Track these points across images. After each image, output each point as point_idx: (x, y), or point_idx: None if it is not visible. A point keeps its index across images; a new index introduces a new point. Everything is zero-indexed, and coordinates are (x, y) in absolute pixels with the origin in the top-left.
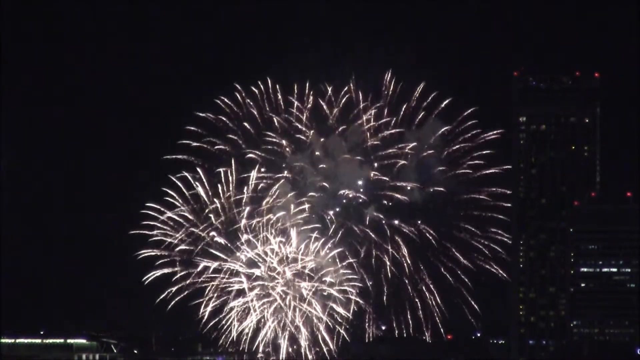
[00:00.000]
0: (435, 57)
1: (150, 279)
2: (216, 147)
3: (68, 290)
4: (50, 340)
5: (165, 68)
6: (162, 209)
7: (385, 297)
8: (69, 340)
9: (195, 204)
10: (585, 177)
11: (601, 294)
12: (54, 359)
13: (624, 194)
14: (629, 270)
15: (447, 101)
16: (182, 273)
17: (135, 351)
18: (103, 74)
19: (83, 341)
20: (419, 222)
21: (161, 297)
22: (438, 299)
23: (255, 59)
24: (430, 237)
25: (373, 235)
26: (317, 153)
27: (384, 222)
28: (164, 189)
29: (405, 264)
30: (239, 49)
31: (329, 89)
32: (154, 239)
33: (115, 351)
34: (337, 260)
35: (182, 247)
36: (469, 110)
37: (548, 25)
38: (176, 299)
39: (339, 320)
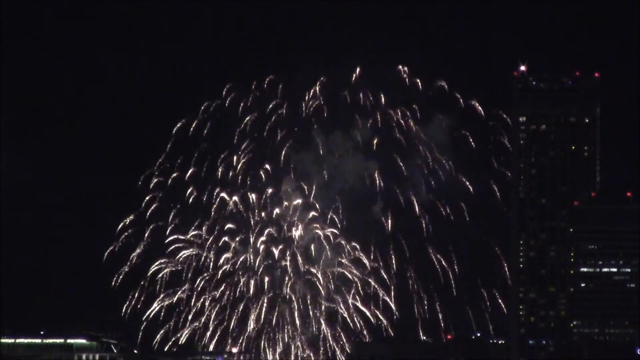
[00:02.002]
0: (434, 56)
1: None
2: (214, 148)
3: (68, 290)
4: (50, 340)
5: (164, 67)
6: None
7: (392, 299)
8: (69, 340)
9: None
10: (585, 177)
11: (601, 294)
12: (54, 359)
13: (624, 194)
14: (629, 270)
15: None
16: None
17: (135, 351)
18: (102, 73)
19: (83, 341)
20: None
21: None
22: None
23: (257, 55)
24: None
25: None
26: (321, 152)
27: (387, 223)
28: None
29: (409, 269)
30: (241, 44)
31: (331, 86)
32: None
33: (115, 351)
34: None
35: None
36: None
37: (548, 25)
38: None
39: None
